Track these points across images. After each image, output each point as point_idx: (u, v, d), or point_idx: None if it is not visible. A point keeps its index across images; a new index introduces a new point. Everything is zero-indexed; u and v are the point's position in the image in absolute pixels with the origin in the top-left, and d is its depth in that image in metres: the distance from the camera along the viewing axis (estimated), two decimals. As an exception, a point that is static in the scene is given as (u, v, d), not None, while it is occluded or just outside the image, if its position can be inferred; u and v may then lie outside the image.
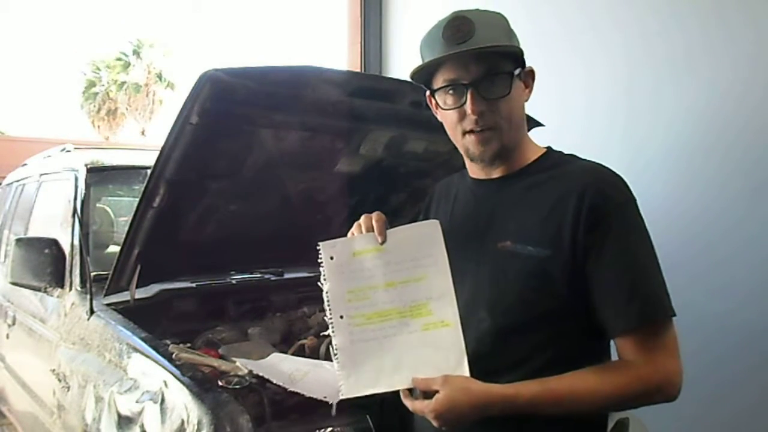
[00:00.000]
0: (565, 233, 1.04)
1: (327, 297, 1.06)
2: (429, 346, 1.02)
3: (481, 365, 1.04)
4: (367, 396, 1.07)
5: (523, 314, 1.07)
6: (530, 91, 1.16)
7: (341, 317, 1.05)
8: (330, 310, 1.05)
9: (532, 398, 1.00)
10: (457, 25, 1.06)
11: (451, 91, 1.10)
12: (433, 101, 1.16)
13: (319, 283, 1.07)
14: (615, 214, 1.04)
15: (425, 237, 1.06)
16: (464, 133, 1.11)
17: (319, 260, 1.07)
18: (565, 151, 1.18)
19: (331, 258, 1.06)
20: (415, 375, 1.03)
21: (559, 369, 1.03)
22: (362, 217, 1.11)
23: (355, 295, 1.05)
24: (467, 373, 1.00)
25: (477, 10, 1.10)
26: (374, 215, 1.09)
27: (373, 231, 1.07)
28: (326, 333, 1.07)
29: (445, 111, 1.12)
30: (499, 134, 1.09)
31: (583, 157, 1.16)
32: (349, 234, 1.12)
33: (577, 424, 1.06)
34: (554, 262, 1.04)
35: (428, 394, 1.01)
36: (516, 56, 1.10)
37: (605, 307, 1.04)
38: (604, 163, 1.12)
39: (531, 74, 1.15)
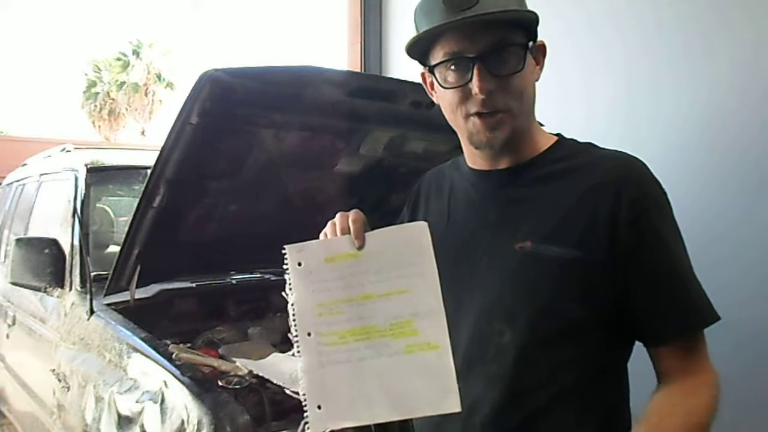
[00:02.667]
0: (600, 231, 0.90)
1: (293, 310, 0.89)
2: (413, 372, 0.85)
3: (502, 386, 0.93)
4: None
5: (549, 325, 0.92)
6: (541, 69, 0.99)
7: (309, 335, 0.88)
8: (296, 326, 0.89)
9: None
10: None
11: (452, 67, 0.92)
12: (429, 80, 1.00)
13: (283, 294, 0.90)
14: (655, 209, 0.93)
15: (411, 242, 0.88)
16: (468, 116, 0.94)
17: (285, 266, 0.89)
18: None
19: (299, 264, 0.89)
20: (397, 406, 0.86)
21: (587, 389, 0.93)
22: (337, 216, 0.93)
23: (327, 309, 0.88)
24: (458, 406, 0.83)
25: None
26: (351, 214, 0.91)
27: (349, 233, 0.89)
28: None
29: (445, 90, 0.94)
30: (511, 118, 0.93)
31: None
32: (321, 235, 0.95)
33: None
34: (586, 264, 0.91)
35: None
36: (529, 27, 0.94)
37: (653, 314, 0.92)
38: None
39: (542, 49, 0.99)
